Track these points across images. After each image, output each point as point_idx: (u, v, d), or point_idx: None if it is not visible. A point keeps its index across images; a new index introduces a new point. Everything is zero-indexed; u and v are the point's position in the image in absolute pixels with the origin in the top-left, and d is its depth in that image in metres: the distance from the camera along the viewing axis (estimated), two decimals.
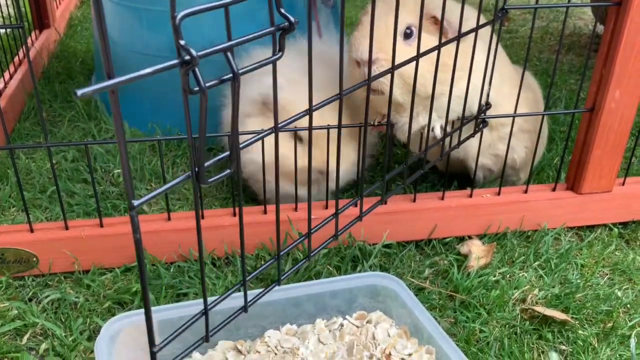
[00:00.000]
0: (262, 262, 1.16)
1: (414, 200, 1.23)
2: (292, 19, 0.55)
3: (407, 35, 1.06)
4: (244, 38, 0.52)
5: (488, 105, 1.10)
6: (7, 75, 1.76)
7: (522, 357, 0.99)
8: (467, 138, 1.02)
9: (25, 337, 1.00)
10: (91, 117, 1.69)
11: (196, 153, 0.54)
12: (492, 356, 0.99)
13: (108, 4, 1.57)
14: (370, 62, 0.75)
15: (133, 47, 1.56)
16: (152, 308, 0.94)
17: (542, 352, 1.01)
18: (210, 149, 1.55)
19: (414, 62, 0.80)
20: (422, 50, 0.81)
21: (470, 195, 1.25)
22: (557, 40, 2.48)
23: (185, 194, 1.39)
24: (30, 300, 1.08)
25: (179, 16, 0.45)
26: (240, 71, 0.52)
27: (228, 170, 0.58)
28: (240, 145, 0.59)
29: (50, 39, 2.20)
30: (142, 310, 0.93)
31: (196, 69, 0.47)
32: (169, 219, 1.17)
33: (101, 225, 1.14)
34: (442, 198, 1.24)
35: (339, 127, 0.71)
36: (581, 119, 1.26)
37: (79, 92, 0.40)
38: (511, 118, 1.17)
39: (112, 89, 0.43)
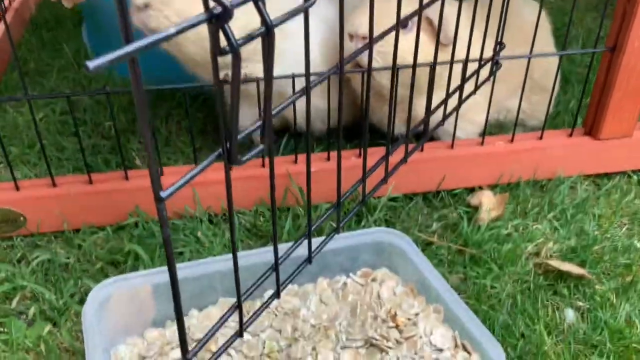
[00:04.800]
0: (262, 219, 1.10)
1: (422, 150, 1.16)
2: None
3: (403, 26, 1.04)
4: None
5: (502, 45, 1.01)
6: None
7: (535, 314, 0.94)
8: (483, 82, 0.95)
9: (15, 301, 0.96)
10: (81, 67, 1.61)
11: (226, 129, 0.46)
12: (504, 314, 0.94)
13: None
14: (371, 38, 0.67)
15: None
16: (145, 271, 0.89)
17: (557, 308, 0.96)
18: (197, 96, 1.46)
19: (410, 53, 0.74)
20: (415, 44, 0.76)
21: (482, 144, 1.18)
22: None
23: (181, 147, 1.32)
24: (19, 261, 1.03)
25: None
26: (275, 23, 0.44)
27: (261, 146, 0.50)
28: (273, 112, 0.51)
29: None
30: (133, 273, 0.88)
31: (227, 25, 0.39)
32: (162, 173, 1.10)
33: (90, 182, 1.08)
34: (452, 147, 1.17)
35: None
36: (601, 59, 1.17)
37: (91, 65, 0.31)
38: None
39: (132, 57, 0.34)
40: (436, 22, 1.01)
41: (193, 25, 0.38)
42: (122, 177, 1.09)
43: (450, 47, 0.86)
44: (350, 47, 1.05)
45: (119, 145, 1.06)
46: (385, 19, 0.81)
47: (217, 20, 0.39)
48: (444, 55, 0.92)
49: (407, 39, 1.00)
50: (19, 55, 1.65)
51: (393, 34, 0.68)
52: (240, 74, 0.44)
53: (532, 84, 1.30)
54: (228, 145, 0.46)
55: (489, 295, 0.98)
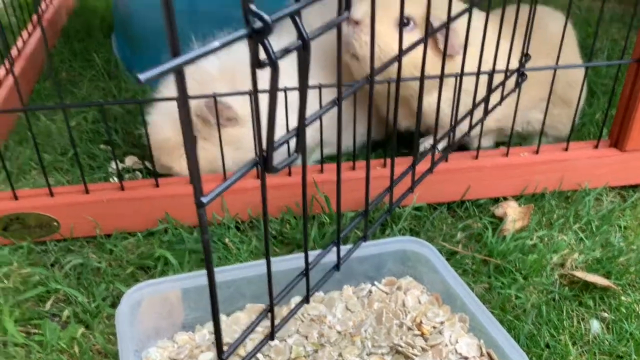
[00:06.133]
0: (288, 226, 1.12)
1: (446, 160, 1.17)
2: None
3: (405, 25, 1.06)
4: None
5: (527, 56, 1.02)
6: (25, 33, 1.72)
7: (560, 325, 0.94)
8: (509, 94, 0.96)
9: (48, 304, 0.99)
10: (111, 77, 1.65)
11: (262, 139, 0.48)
12: (528, 324, 0.94)
13: None
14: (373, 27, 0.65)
15: None
16: (176, 276, 0.91)
17: (583, 319, 0.96)
18: None
19: (407, 56, 0.72)
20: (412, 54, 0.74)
21: (507, 154, 1.19)
22: None
23: None
24: (52, 265, 1.06)
25: None
26: (311, 36, 0.46)
27: (295, 154, 0.53)
28: (306, 122, 0.53)
29: None
30: (163, 278, 0.90)
31: (266, 39, 0.41)
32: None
33: (122, 189, 1.10)
34: (476, 157, 1.18)
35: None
36: (627, 70, 1.17)
37: (142, 77, 0.33)
38: None
39: (178, 70, 0.37)
40: (438, 28, 1.00)
41: (235, 40, 0.40)
42: (152, 185, 1.12)
43: (458, 58, 0.86)
44: (345, 31, 1.07)
45: (150, 154, 1.09)
46: (382, 10, 0.80)
47: (257, 35, 0.41)
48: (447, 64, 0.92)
49: (405, 39, 0.98)
50: (53, 64, 1.70)
51: (387, 29, 0.68)
52: (277, 86, 0.46)
53: (554, 96, 1.30)
54: (265, 154, 0.48)
55: (514, 305, 0.98)
